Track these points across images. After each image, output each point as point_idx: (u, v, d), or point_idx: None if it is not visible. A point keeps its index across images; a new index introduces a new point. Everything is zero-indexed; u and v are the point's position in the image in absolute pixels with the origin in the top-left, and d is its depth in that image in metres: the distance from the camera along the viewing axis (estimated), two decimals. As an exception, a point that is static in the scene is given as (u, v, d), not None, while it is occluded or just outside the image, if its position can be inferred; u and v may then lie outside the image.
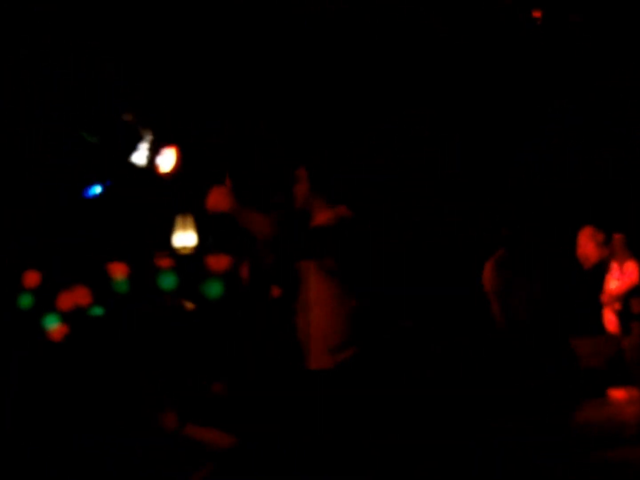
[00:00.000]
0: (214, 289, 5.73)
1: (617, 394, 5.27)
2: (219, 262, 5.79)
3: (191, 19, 5.50)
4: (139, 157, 6.30)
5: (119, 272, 5.44)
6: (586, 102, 5.80)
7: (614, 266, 5.02)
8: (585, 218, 5.22)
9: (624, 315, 4.93)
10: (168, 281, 5.71)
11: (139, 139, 6.31)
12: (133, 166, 6.31)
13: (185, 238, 6.05)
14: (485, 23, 5.42)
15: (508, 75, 5.83)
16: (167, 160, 6.22)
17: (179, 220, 6.05)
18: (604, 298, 5.01)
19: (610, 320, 5.02)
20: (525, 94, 5.88)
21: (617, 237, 4.94)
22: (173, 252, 5.88)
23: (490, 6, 5.30)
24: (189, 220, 6.06)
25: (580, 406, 4.76)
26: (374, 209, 5.35)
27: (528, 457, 4.05)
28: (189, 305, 5.56)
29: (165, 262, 5.69)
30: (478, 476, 3.63)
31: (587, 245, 5.02)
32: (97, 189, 5.92)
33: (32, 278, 5.13)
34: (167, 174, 6.16)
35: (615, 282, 4.95)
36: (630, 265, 4.84)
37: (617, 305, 4.95)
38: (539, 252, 5.31)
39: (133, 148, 6.29)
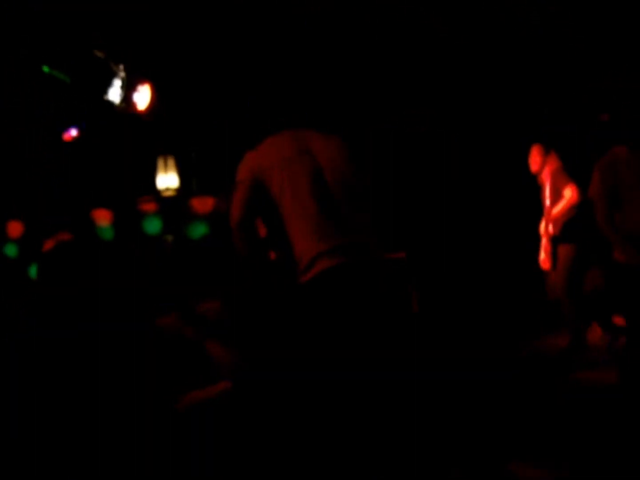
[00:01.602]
0: (199, 231, 5.71)
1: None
2: (203, 203, 5.75)
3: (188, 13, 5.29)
4: (113, 95, 6.11)
5: (103, 218, 5.37)
6: (580, 104, 5.78)
7: (549, 189, 4.88)
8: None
9: (555, 241, 4.85)
10: (153, 225, 5.67)
11: (112, 76, 6.11)
12: (108, 105, 6.14)
13: (167, 180, 5.96)
14: (484, 23, 5.32)
15: (506, 76, 5.76)
16: (142, 97, 6.05)
17: (160, 162, 5.94)
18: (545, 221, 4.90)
19: (544, 259, 4.89)
20: (522, 93, 5.83)
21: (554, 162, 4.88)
22: (157, 196, 5.80)
23: (489, 6, 5.19)
24: (171, 161, 5.95)
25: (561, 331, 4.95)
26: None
27: (502, 381, 4.22)
28: (169, 238, 5.56)
29: (149, 207, 5.62)
30: (452, 404, 3.76)
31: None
32: (74, 132, 5.76)
33: (15, 228, 5.05)
34: (143, 113, 6.01)
35: (555, 206, 4.82)
36: (569, 189, 4.71)
37: (552, 229, 4.85)
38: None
39: (106, 85, 6.10)
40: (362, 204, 2.67)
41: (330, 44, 5.32)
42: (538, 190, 5.02)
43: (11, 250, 5.08)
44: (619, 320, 5.51)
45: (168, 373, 3.41)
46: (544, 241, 4.90)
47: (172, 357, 3.56)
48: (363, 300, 2.51)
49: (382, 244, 2.81)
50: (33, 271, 5.15)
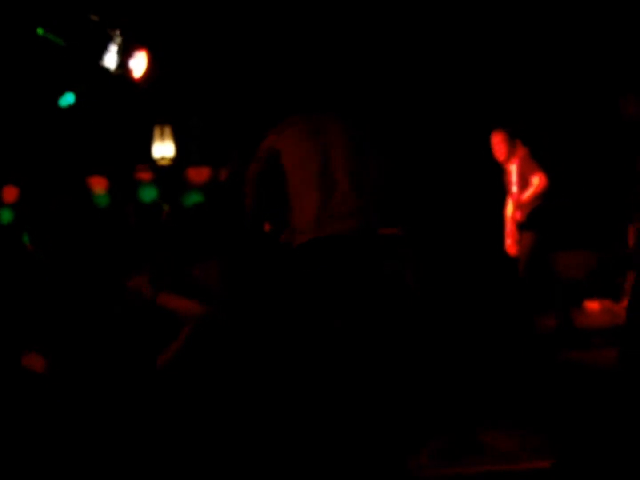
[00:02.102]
0: (194, 201, 5.69)
1: (592, 304, 5.53)
2: (199, 173, 5.72)
3: None
4: (109, 60, 6.03)
5: (99, 185, 5.33)
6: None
7: (516, 176, 4.90)
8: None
9: (520, 227, 4.88)
10: (148, 193, 5.65)
11: (108, 41, 6.03)
12: (104, 71, 6.06)
13: (163, 149, 5.92)
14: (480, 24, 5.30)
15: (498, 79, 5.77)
16: (139, 64, 5.97)
17: (156, 130, 5.89)
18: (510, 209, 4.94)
19: (510, 244, 4.95)
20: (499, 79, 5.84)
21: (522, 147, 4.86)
22: (153, 164, 5.77)
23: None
24: (167, 130, 5.91)
25: (556, 315, 5.01)
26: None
27: (500, 357, 4.28)
28: (166, 207, 5.55)
29: (145, 175, 5.59)
30: (454, 378, 3.83)
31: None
32: (70, 98, 5.69)
33: (11, 193, 5.01)
34: (140, 80, 5.94)
35: (522, 193, 4.86)
36: (538, 177, 4.75)
37: (519, 215, 4.89)
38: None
39: (102, 51, 6.02)
40: (367, 183, 2.96)
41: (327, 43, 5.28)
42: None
43: (6, 216, 5.05)
44: (592, 305, 5.58)
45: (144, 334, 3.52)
46: (509, 226, 4.95)
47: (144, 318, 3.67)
48: (343, 270, 2.82)
49: (383, 221, 3.07)
50: (26, 238, 5.13)
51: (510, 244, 4.95)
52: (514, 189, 4.88)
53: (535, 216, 4.81)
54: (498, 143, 4.93)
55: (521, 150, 4.87)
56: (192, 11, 5.81)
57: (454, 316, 5.08)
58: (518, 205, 4.85)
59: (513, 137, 4.90)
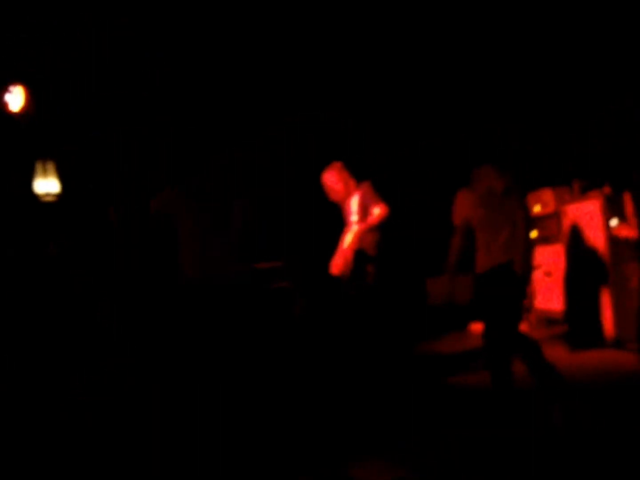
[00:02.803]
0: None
1: (477, 326, 5.82)
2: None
3: None
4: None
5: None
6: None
7: (358, 206, 4.93)
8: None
9: (359, 257, 4.91)
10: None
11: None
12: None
13: (47, 185, 5.72)
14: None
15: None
16: (15, 98, 5.78)
17: (39, 166, 5.69)
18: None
19: (337, 262, 4.92)
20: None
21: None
22: (36, 201, 5.56)
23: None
24: (50, 166, 5.72)
25: (442, 338, 5.23)
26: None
27: (384, 382, 4.37)
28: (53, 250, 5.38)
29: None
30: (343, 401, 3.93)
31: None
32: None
33: None
34: (19, 115, 5.74)
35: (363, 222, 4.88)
36: (379, 207, 4.78)
37: (358, 245, 4.89)
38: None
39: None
40: (229, 238, 3.84)
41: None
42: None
43: None
44: (476, 327, 5.86)
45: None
46: (341, 251, 4.91)
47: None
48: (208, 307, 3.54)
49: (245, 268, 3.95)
50: None
51: (338, 265, 4.89)
52: (354, 218, 4.90)
53: (379, 246, 4.91)
54: (335, 182, 4.94)
55: (361, 185, 4.89)
56: (72, 48, 5.71)
57: (330, 344, 5.16)
58: (358, 233, 4.85)
59: (344, 172, 4.91)
